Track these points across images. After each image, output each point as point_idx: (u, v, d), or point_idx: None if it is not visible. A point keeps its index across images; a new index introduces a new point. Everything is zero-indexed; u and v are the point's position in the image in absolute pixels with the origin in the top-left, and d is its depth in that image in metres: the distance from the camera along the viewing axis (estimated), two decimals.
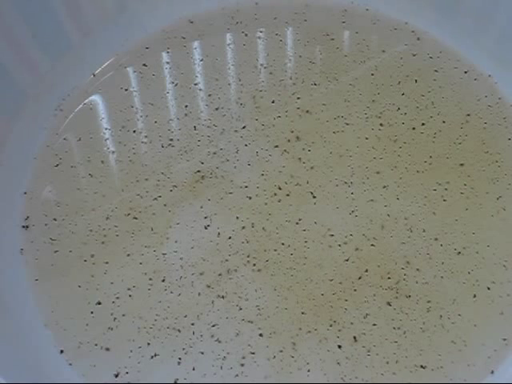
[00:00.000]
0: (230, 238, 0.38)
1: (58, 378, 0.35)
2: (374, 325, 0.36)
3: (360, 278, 0.37)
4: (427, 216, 0.39)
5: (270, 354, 0.35)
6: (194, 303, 0.36)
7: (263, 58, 0.46)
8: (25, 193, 0.41)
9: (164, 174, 0.41)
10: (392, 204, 0.39)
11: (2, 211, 0.39)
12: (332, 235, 0.38)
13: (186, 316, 0.36)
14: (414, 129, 0.42)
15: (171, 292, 0.37)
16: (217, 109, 0.43)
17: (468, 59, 0.45)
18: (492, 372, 0.35)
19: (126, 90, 0.44)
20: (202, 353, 0.35)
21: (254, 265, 0.37)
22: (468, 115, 0.43)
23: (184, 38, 0.47)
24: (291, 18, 0.47)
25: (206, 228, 0.39)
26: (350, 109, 0.43)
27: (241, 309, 0.36)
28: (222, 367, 0.35)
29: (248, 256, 0.38)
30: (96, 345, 0.36)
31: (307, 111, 0.43)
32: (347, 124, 0.42)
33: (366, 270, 0.37)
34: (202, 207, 0.39)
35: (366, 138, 0.42)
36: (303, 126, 0.42)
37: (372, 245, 0.38)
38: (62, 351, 0.36)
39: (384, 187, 0.40)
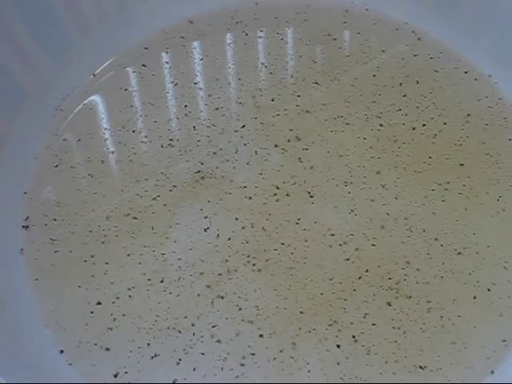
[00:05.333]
0: (229, 238, 0.38)
1: (58, 378, 0.35)
2: (374, 324, 0.36)
3: (360, 277, 0.37)
4: (427, 216, 0.39)
5: (270, 354, 0.35)
6: (194, 304, 0.36)
7: (264, 57, 0.46)
8: (25, 193, 0.41)
9: (164, 174, 0.41)
10: (391, 204, 0.39)
11: (2, 211, 0.39)
12: (332, 235, 0.38)
13: (186, 317, 0.36)
14: (414, 129, 0.42)
15: (170, 293, 0.37)
16: (216, 109, 0.43)
17: (468, 59, 0.45)
18: (492, 372, 0.35)
19: (126, 90, 0.44)
20: (203, 353, 0.35)
21: (254, 265, 0.38)
22: (468, 115, 0.43)
23: (183, 38, 0.47)
24: (292, 18, 0.47)
25: (205, 230, 0.39)
26: (350, 109, 0.43)
27: (240, 309, 0.36)
28: (222, 368, 0.35)
29: (248, 256, 0.38)
30: (96, 345, 0.36)
31: (307, 111, 0.43)
32: (347, 124, 0.42)
33: (367, 270, 0.37)
34: (201, 208, 0.39)
35: (365, 138, 0.42)
36: (303, 125, 0.42)
37: (373, 245, 0.38)
38: (62, 351, 0.36)
39: (383, 187, 0.40)
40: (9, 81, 0.42)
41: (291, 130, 0.42)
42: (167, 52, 0.46)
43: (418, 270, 0.37)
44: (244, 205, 0.39)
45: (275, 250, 0.38)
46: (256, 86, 0.44)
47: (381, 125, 0.42)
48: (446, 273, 0.37)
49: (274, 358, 0.35)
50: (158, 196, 0.40)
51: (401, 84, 0.44)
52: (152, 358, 0.35)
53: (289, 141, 0.42)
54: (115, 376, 0.35)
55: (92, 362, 0.35)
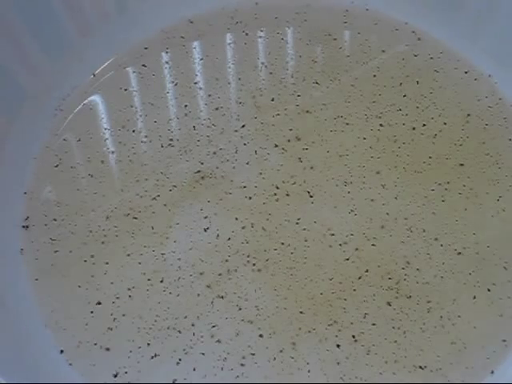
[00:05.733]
0: (229, 238, 0.38)
1: (58, 377, 0.35)
2: (374, 324, 0.36)
3: (360, 277, 0.37)
4: (427, 216, 0.39)
5: (270, 354, 0.35)
6: (194, 304, 0.36)
7: (264, 57, 0.46)
8: (25, 193, 0.41)
9: (164, 174, 0.41)
10: (391, 204, 0.39)
11: (2, 211, 0.39)
12: (332, 234, 0.38)
13: (186, 317, 0.36)
14: (414, 129, 0.42)
15: (170, 293, 0.37)
16: (216, 108, 0.43)
17: (468, 59, 0.45)
18: (492, 372, 0.35)
19: (126, 90, 0.44)
20: (203, 353, 0.35)
21: (254, 265, 0.38)
22: (468, 115, 0.43)
23: (183, 38, 0.47)
24: (292, 18, 0.47)
25: (205, 230, 0.38)
26: (351, 109, 0.43)
27: (240, 309, 0.36)
28: (222, 368, 0.35)
29: (248, 256, 0.38)
30: (96, 345, 0.36)
31: (307, 111, 0.43)
32: (347, 124, 0.42)
33: (367, 270, 0.37)
34: (201, 208, 0.39)
35: (365, 138, 0.42)
36: (303, 125, 0.42)
37: (373, 244, 0.38)
38: (62, 351, 0.36)
39: (383, 187, 0.40)
40: (9, 81, 0.42)
41: (291, 129, 0.42)
42: (167, 52, 0.46)
43: (418, 269, 0.37)
44: (244, 205, 0.39)
45: (275, 249, 0.38)
46: (256, 85, 0.44)
47: (381, 125, 0.42)
48: (445, 273, 0.37)
49: (274, 358, 0.35)
50: (158, 196, 0.40)
51: (401, 84, 0.44)
52: (152, 357, 0.35)
53: (289, 141, 0.42)
54: (115, 376, 0.35)
55: (92, 362, 0.35)
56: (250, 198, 0.40)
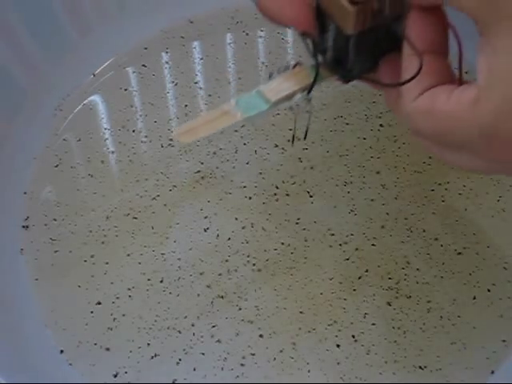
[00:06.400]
0: (229, 238, 0.38)
1: (58, 377, 0.35)
2: (374, 324, 0.36)
3: (360, 277, 0.37)
4: (427, 216, 0.39)
5: (270, 354, 0.35)
6: (194, 304, 0.36)
7: (264, 56, 0.46)
8: (25, 193, 0.41)
9: (164, 174, 0.41)
10: (391, 203, 0.39)
11: (2, 211, 0.39)
12: (332, 234, 0.38)
13: (186, 317, 0.36)
14: None
15: (170, 293, 0.37)
16: None
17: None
18: (492, 372, 0.35)
19: (126, 90, 0.44)
20: (203, 353, 0.35)
21: (254, 265, 0.38)
22: None
23: (183, 38, 0.47)
24: None
25: (205, 230, 0.39)
26: (351, 109, 0.43)
27: (240, 309, 0.36)
28: (222, 368, 0.35)
29: (248, 256, 0.38)
30: (96, 345, 0.36)
31: (307, 111, 0.43)
32: (347, 124, 0.42)
33: (367, 270, 0.37)
34: (201, 208, 0.39)
35: (365, 139, 0.42)
36: (303, 125, 0.42)
37: (373, 244, 0.38)
38: (62, 351, 0.36)
39: (383, 187, 0.40)
40: (9, 81, 0.42)
41: (291, 129, 0.42)
42: (167, 52, 0.46)
43: (418, 269, 0.37)
44: (244, 205, 0.39)
45: (275, 249, 0.38)
46: (256, 85, 0.44)
47: (381, 125, 0.42)
48: (445, 273, 0.37)
49: (274, 358, 0.35)
50: (158, 196, 0.40)
51: None
52: (152, 357, 0.35)
53: (289, 141, 0.42)
54: (115, 376, 0.35)
55: (92, 362, 0.35)
56: (250, 198, 0.40)
